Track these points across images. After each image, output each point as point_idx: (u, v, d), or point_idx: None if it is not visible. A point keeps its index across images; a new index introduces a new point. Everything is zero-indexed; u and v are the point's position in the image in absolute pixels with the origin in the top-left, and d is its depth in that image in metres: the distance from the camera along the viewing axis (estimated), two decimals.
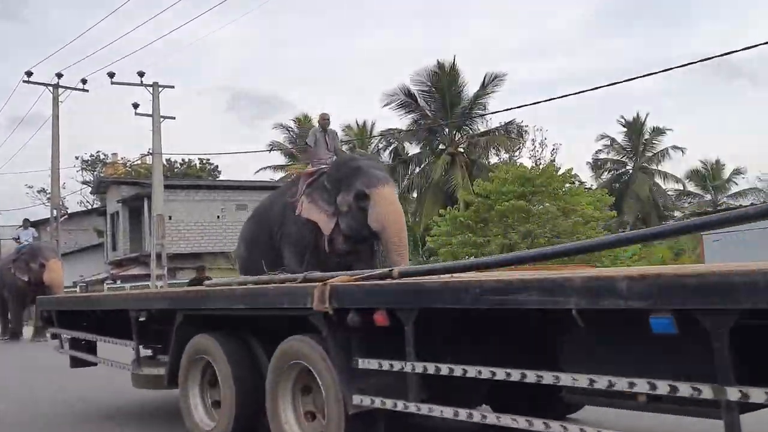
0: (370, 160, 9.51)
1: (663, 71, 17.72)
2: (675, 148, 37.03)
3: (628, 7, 65.01)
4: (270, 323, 4.30)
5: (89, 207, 43.43)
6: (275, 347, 4.06)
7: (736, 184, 38.14)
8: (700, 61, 16.71)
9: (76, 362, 6.89)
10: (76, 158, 46.71)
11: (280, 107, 73.82)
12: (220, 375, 4.40)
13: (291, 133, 36.52)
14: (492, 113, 32.56)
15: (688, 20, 60.56)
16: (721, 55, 17.25)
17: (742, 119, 57.42)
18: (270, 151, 36.18)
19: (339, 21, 74.02)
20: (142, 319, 5.41)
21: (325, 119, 9.32)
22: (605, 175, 38.39)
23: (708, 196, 38.43)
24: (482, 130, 32.35)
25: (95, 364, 6.69)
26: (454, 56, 32.16)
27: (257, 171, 37.67)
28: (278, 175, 35.24)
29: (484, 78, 31.20)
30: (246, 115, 75.23)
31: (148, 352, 6.00)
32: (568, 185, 22.05)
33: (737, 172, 38.26)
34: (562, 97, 20.32)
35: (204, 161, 44.61)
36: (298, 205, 8.22)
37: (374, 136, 35.85)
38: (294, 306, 3.77)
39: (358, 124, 36.61)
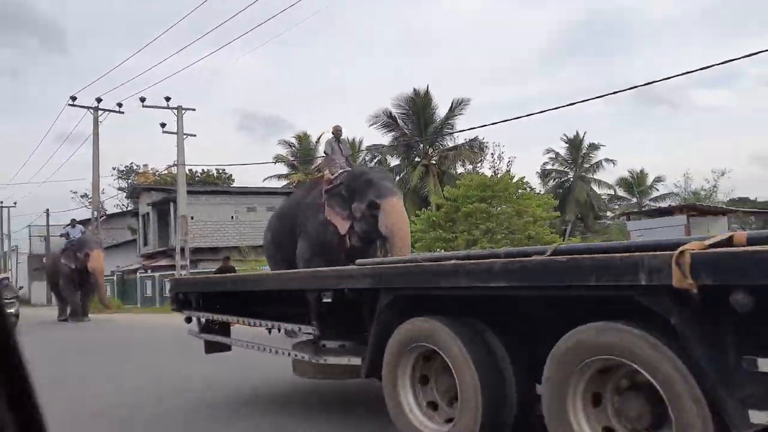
0: (381, 172, 9.39)
1: (598, 97, 18.31)
2: (607, 160, 37.10)
3: (575, 41, 65.53)
4: (519, 307, 3.04)
5: (124, 209, 42.98)
6: (517, 337, 3.00)
7: (657, 189, 38.22)
8: (629, 89, 17.28)
9: (211, 347, 5.59)
10: (113, 168, 46.54)
11: (283, 126, 73.53)
12: (456, 371, 3.07)
13: (293, 147, 36.55)
14: (459, 131, 32.83)
15: (627, 53, 61.15)
16: (644, 85, 17.65)
17: (662, 137, 58.05)
18: (275, 162, 36.18)
19: (332, 53, 73.85)
20: (327, 300, 4.01)
21: (338, 130, 9.19)
22: (551, 183, 38.29)
23: (634, 200, 38.75)
24: (451, 145, 32.53)
25: (229, 349, 5.49)
26: (428, 85, 32.47)
27: (265, 179, 37.60)
28: (282, 183, 35.29)
29: (452, 102, 31.59)
30: (255, 133, 74.99)
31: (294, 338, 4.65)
32: (520, 191, 22.16)
33: (658, 179, 38.35)
34: (516, 118, 20.26)
35: (220, 171, 44.35)
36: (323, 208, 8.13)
37: (361, 150, 35.93)
38: (613, 283, 2.35)
39: (348, 141, 36.58)
